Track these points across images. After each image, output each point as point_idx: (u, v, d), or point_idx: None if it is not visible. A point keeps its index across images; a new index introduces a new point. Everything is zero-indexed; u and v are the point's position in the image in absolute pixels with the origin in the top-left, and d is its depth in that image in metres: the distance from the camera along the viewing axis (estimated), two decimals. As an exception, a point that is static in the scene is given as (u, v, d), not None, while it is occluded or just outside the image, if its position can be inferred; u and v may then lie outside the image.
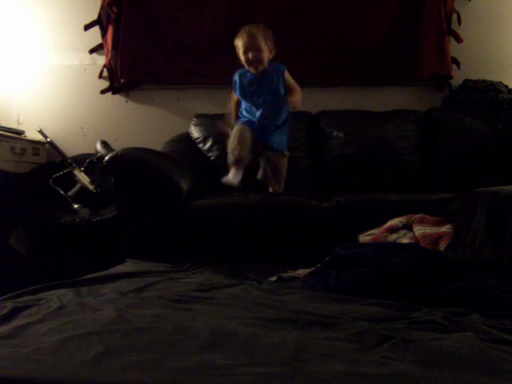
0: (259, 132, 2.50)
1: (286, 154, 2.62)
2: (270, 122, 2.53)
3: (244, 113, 2.61)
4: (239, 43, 2.47)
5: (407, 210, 2.16)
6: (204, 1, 3.22)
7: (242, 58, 2.48)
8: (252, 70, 2.50)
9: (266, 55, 2.46)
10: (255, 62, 2.45)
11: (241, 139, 2.40)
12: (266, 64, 2.48)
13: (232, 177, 2.39)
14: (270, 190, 2.60)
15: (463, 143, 2.82)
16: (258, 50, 2.42)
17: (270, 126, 2.54)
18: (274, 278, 1.81)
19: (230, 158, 2.43)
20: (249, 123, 2.50)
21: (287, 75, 2.53)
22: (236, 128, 2.47)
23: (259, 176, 2.60)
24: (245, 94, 2.56)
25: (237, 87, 2.59)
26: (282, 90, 2.53)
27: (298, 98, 2.53)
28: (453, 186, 2.43)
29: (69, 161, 3.05)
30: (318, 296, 1.40)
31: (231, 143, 2.43)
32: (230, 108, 2.69)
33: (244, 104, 2.61)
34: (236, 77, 2.60)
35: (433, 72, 3.15)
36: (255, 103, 2.54)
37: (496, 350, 0.89)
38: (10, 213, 2.75)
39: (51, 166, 3.13)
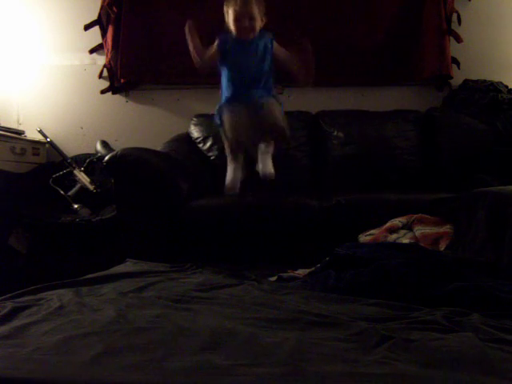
0: (247, 97, 2.31)
1: (278, 99, 2.39)
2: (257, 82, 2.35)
3: (227, 87, 2.39)
4: (230, 8, 2.29)
5: (407, 210, 2.16)
6: (204, 0, 3.21)
7: (233, 24, 2.29)
8: (239, 36, 2.31)
9: (259, 24, 2.30)
10: (247, 30, 2.28)
11: (236, 125, 2.23)
12: (256, 33, 2.31)
13: (230, 179, 2.19)
14: (260, 166, 2.28)
15: (463, 143, 2.82)
16: (252, 18, 2.26)
17: (258, 84, 2.35)
18: (274, 278, 1.81)
19: (229, 147, 2.26)
20: (235, 102, 2.31)
21: (275, 44, 2.39)
22: (226, 116, 2.28)
23: (258, 168, 2.34)
24: (228, 62, 2.36)
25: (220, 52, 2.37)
26: (270, 60, 2.38)
27: (296, 63, 2.40)
28: (453, 185, 2.43)
29: (69, 161, 3.05)
30: (317, 296, 1.40)
31: (227, 131, 2.26)
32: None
33: (226, 74, 2.39)
34: (219, 42, 2.37)
35: (433, 72, 3.14)
36: (238, 71, 2.35)
37: (496, 349, 0.90)
38: (10, 213, 2.74)
39: (51, 165, 3.13)
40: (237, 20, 2.27)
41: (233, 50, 2.35)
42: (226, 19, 2.33)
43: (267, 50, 2.37)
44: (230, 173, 2.22)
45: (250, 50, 2.35)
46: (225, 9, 2.32)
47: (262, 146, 2.28)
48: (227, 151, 2.29)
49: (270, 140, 2.29)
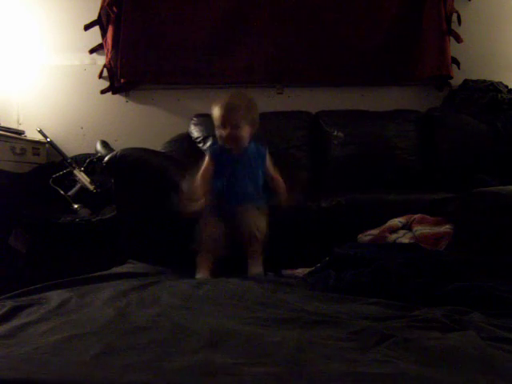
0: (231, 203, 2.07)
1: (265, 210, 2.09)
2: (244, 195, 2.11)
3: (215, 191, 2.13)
4: (215, 114, 2.07)
5: (407, 210, 2.16)
6: (204, 0, 3.22)
7: (217, 132, 2.10)
8: (227, 147, 2.11)
9: (246, 133, 2.08)
10: (232, 140, 2.07)
11: (213, 241, 1.98)
12: (246, 143, 2.11)
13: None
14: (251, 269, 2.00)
15: (463, 143, 2.82)
16: (237, 127, 2.04)
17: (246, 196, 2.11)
18: (274, 278, 1.81)
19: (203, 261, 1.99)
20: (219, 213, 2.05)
21: (268, 160, 2.19)
22: (207, 223, 2.03)
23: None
24: (218, 174, 2.12)
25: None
26: (262, 177, 2.16)
27: (284, 190, 2.15)
28: (453, 185, 2.43)
29: (69, 161, 3.04)
30: (318, 295, 1.40)
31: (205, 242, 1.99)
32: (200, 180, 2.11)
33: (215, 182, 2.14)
34: (211, 152, 2.18)
35: (433, 72, 3.15)
36: (229, 185, 2.11)
37: (497, 348, 0.89)
38: (10, 213, 2.74)
39: (51, 165, 3.12)
40: (220, 128, 2.07)
41: (222, 162, 2.12)
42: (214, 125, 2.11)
43: (259, 164, 2.15)
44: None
45: (239, 163, 2.12)
46: (212, 113, 2.11)
47: (249, 251, 2.01)
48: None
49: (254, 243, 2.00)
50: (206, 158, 2.16)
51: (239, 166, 2.12)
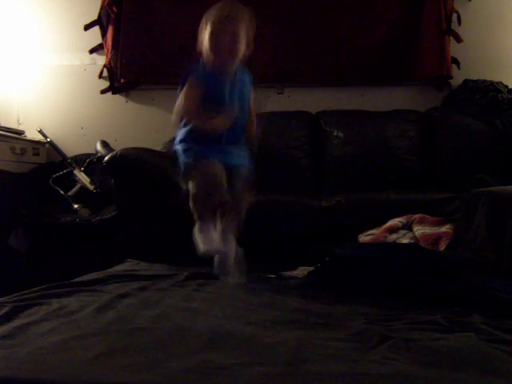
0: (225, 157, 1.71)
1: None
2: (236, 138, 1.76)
3: (193, 135, 1.71)
4: (210, 19, 1.65)
5: (407, 210, 2.16)
6: (204, 0, 3.21)
7: (208, 42, 1.65)
8: (216, 62, 1.66)
9: (243, 49, 1.67)
10: (229, 54, 1.65)
11: (216, 181, 1.64)
12: (237, 61, 1.69)
13: (205, 241, 1.61)
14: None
15: (463, 143, 2.82)
16: (236, 39, 1.63)
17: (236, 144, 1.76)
18: (274, 278, 1.81)
19: (206, 207, 1.66)
20: (213, 155, 1.67)
21: (253, 94, 1.82)
22: (203, 168, 1.65)
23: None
24: (205, 98, 1.65)
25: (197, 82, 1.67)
26: (248, 106, 1.78)
27: (254, 130, 1.80)
28: (453, 185, 2.43)
29: (69, 161, 3.05)
30: (318, 296, 1.40)
31: (201, 189, 1.66)
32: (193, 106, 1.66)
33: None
34: (194, 71, 1.70)
35: (433, 72, 3.14)
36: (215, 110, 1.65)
37: (496, 350, 0.90)
38: (10, 213, 2.74)
39: (51, 165, 3.13)
40: (214, 35, 1.64)
41: (208, 88, 1.67)
42: (200, 39, 1.71)
43: (248, 94, 1.77)
44: (202, 232, 1.64)
45: (231, 89, 1.71)
46: (204, 18, 1.72)
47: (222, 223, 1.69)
48: (195, 209, 1.70)
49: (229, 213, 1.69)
50: (188, 81, 1.67)
51: (231, 92, 1.69)
